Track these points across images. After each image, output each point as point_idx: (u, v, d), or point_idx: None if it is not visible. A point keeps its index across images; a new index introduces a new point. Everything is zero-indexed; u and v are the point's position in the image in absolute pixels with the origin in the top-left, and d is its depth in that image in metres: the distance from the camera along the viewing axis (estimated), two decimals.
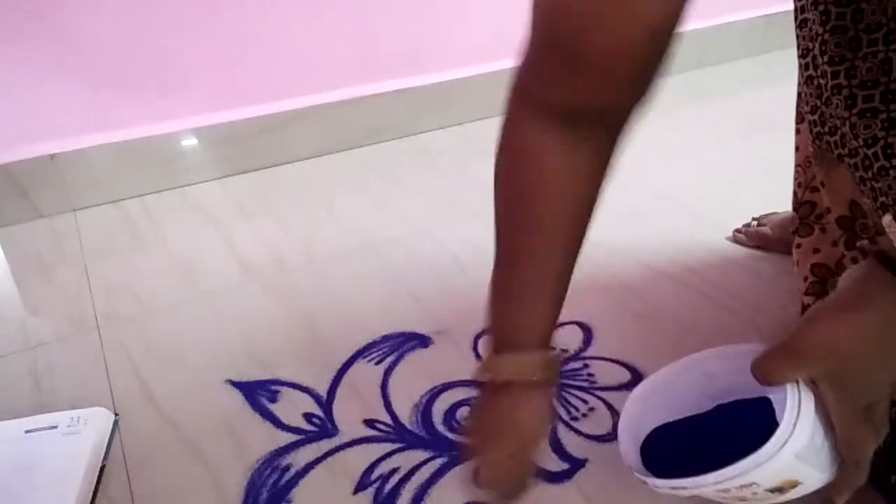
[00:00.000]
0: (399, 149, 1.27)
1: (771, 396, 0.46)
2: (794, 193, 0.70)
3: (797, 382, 0.39)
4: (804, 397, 0.39)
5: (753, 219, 0.92)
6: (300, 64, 1.18)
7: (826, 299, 0.39)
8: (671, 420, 0.50)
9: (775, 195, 0.98)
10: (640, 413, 0.51)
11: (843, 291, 0.39)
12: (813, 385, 0.40)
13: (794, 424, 0.38)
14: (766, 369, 0.40)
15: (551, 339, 0.48)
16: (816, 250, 0.67)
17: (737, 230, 0.92)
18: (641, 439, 0.50)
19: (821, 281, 0.65)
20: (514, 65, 0.44)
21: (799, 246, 0.69)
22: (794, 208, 0.69)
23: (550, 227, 0.45)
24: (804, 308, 0.67)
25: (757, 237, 0.89)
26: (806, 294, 0.67)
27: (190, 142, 1.14)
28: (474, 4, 1.27)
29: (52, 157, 1.05)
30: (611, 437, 0.63)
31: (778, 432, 0.38)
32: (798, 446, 0.38)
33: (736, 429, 0.46)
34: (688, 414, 0.50)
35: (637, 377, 0.70)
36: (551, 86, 0.41)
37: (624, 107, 0.42)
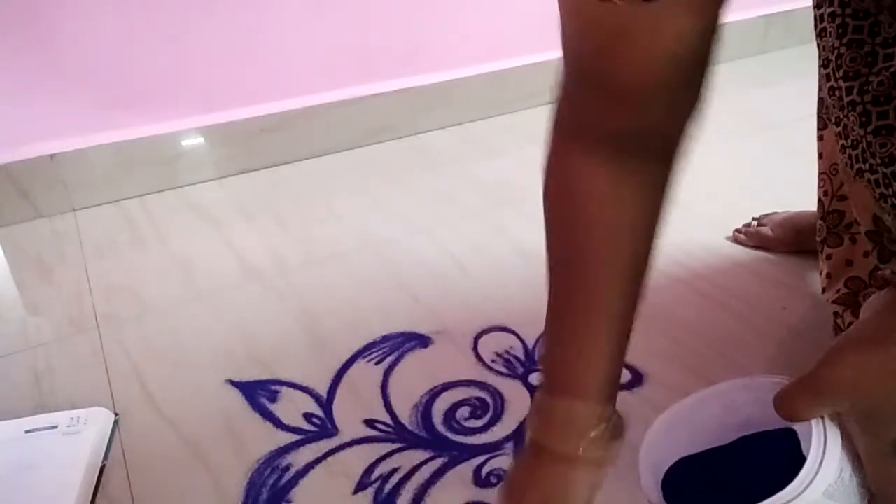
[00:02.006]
0: (399, 149, 1.27)
1: (796, 427, 0.45)
2: (820, 201, 0.69)
3: (822, 417, 0.38)
4: (830, 433, 0.37)
5: (753, 219, 0.92)
6: (300, 64, 1.18)
7: (849, 331, 0.38)
8: (693, 452, 0.49)
9: (775, 195, 0.98)
10: (661, 445, 0.49)
11: (866, 323, 0.38)
12: (839, 419, 0.38)
13: (821, 461, 0.37)
14: (790, 405, 0.38)
15: (613, 398, 0.46)
16: (849, 262, 0.66)
17: (737, 230, 0.92)
18: (663, 472, 0.49)
19: (853, 293, 0.65)
20: (553, 99, 0.44)
21: (830, 257, 0.68)
22: (821, 217, 0.69)
23: (606, 262, 0.43)
24: (835, 317, 0.67)
25: (757, 237, 0.89)
26: (835, 303, 0.66)
27: (190, 142, 1.14)
28: (474, 4, 1.27)
29: (52, 157, 1.05)
30: None
31: (804, 470, 0.37)
32: (826, 483, 0.37)
33: (760, 461, 0.45)
34: (709, 446, 0.49)
35: (637, 377, 0.70)
36: (588, 115, 0.41)
37: (666, 129, 0.41)
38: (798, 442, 0.43)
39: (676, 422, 0.49)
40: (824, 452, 0.37)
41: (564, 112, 0.43)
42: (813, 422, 0.38)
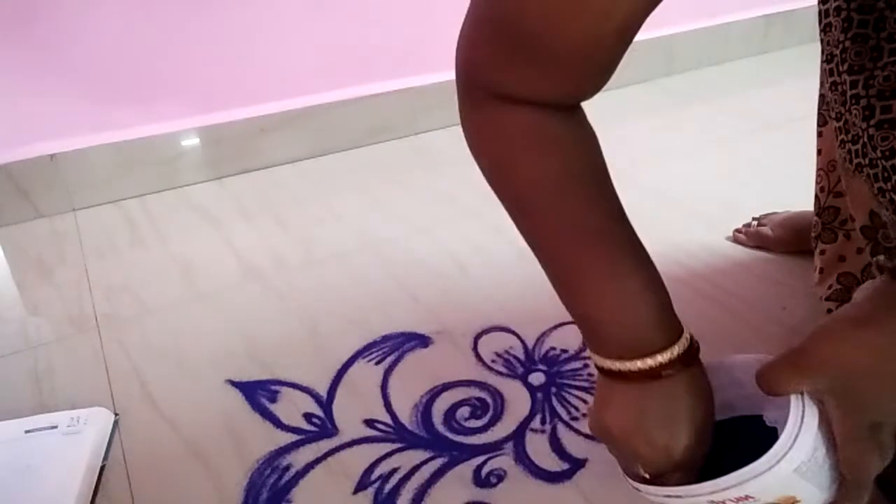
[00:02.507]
0: (399, 149, 1.27)
1: (766, 416, 0.45)
2: (816, 197, 0.69)
3: (802, 395, 0.38)
4: (808, 411, 0.37)
5: (753, 219, 0.92)
6: (300, 64, 1.18)
7: (839, 311, 0.38)
8: None
9: (775, 195, 0.98)
10: None
11: (857, 305, 0.37)
12: (819, 401, 0.38)
13: (796, 437, 0.37)
14: (772, 377, 0.38)
15: (673, 323, 0.43)
16: (842, 258, 0.66)
17: (737, 230, 0.92)
18: None
19: (845, 288, 0.64)
20: (459, 45, 0.42)
21: (823, 252, 0.68)
22: (817, 213, 0.69)
23: (572, 187, 0.43)
24: (828, 314, 0.67)
25: (757, 237, 0.89)
26: (828, 300, 0.66)
27: (190, 142, 1.14)
28: None
29: (52, 157, 1.05)
30: None
31: (777, 444, 0.37)
32: (798, 461, 0.37)
33: (732, 446, 0.45)
34: None
35: None
36: (515, 83, 0.41)
37: (586, 96, 0.42)
38: (770, 428, 0.43)
39: None
40: (800, 429, 0.37)
41: (482, 71, 0.42)
42: (792, 398, 0.38)
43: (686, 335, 0.43)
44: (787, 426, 0.37)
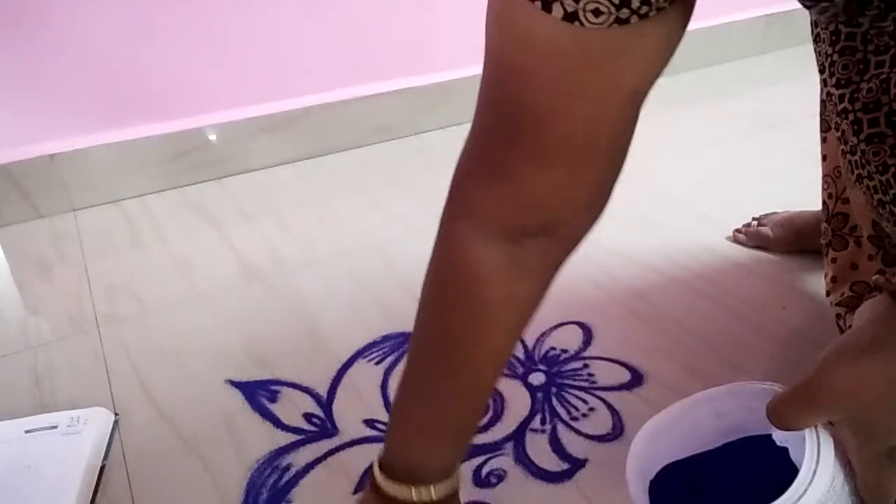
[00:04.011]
0: (399, 149, 1.27)
1: (775, 435, 0.45)
2: (824, 204, 0.69)
3: (815, 426, 0.37)
4: (823, 444, 0.37)
5: (753, 219, 0.92)
6: (300, 64, 1.18)
7: (842, 339, 0.37)
8: (679, 458, 0.49)
9: (775, 195, 0.98)
10: (647, 453, 0.49)
11: (860, 331, 0.37)
12: (830, 426, 0.38)
13: (815, 471, 0.36)
14: (784, 415, 0.37)
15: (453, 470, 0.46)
16: (854, 266, 0.66)
17: (737, 230, 0.92)
18: (650, 479, 0.49)
19: (858, 296, 0.64)
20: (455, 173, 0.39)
21: (835, 260, 0.68)
22: (826, 220, 0.68)
23: (485, 367, 0.42)
24: (837, 318, 0.67)
25: (757, 237, 0.89)
26: (839, 305, 0.66)
27: (190, 142, 1.14)
28: (474, 4, 1.26)
29: (52, 157, 1.05)
30: (611, 437, 0.63)
31: (796, 482, 0.36)
32: (819, 494, 0.36)
33: (745, 466, 0.44)
34: (695, 452, 0.49)
35: (637, 377, 0.70)
36: (501, 181, 0.36)
37: (581, 218, 0.38)
38: (781, 448, 0.43)
39: (662, 429, 0.49)
40: (818, 463, 0.36)
41: (468, 182, 0.39)
42: (806, 430, 0.37)
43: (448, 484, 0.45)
44: (804, 462, 0.37)
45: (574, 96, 0.32)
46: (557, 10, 0.29)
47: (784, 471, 0.37)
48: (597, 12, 0.28)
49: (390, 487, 0.45)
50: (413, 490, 0.44)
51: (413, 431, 0.46)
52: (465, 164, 0.39)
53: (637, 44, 0.31)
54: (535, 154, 0.35)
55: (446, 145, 1.26)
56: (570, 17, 0.29)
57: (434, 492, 0.44)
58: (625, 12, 0.28)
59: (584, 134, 0.34)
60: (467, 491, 0.58)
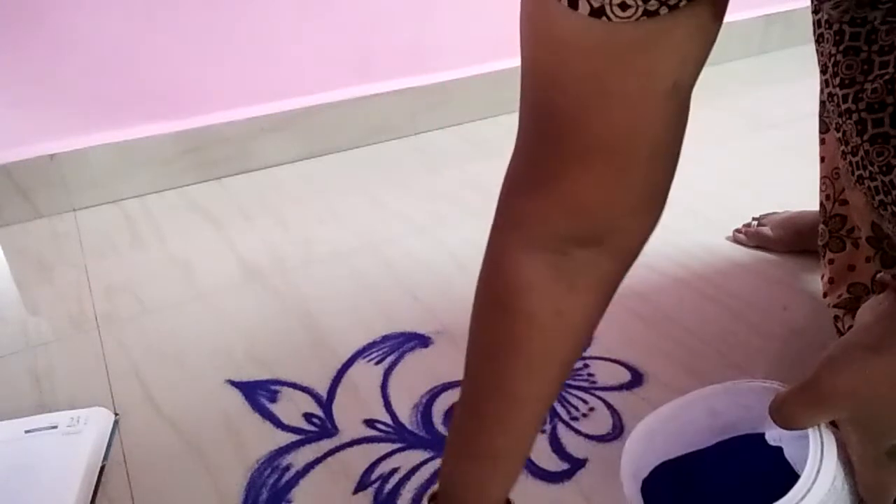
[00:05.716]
0: (399, 149, 1.27)
1: (768, 434, 0.45)
2: (822, 205, 0.69)
3: (818, 425, 0.37)
4: (826, 441, 0.37)
5: (753, 219, 0.92)
6: (300, 64, 1.18)
7: (847, 337, 0.37)
8: (673, 457, 0.49)
9: (775, 195, 0.98)
10: (641, 452, 0.49)
11: (865, 329, 0.36)
12: (833, 426, 0.38)
13: (818, 470, 0.36)
14: (788, 413, 0.37)
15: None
16: (852, 267, 0.66)
17: (737, 230, 0.92)
18: (642, 478, 0.49)
19: (855, 298, 0.64)
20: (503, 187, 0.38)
21: (832, 262, 0.68)
22: (823, 221, 0.68)
23: (529, 387, 0.40)
24: (835, 320, 0.67)
25: (757, 237, 0.89)
26: (836, 307, 0.66)
27: (190, 142, 1.14)
28: (474, 4, 1.27)
29: (52, 157, 1.05)
30: (611, 436, 0.63)
31: (799, 483, 0.36)
32: (821, 495, 0.36)
33: (739, 464, 0.44)
34: (689, 450, 0.49)
35: (637, 377, 0.70)
36: (545, 188, 0.35)
37: (629, 222, 0.36)
38: (779, 448, 0.43)
39: (656, 429, 0.49)
40: (821, 462, 0.36)
41: (514, 195, 0.37)
42: (809, 429, 0.37)
43: None
44: (807, 462, 0.36)
45: (607, 94, 0.31)
46: (584, 7, 0.28)
47: (778, 469, 0.37)
48: (623, 6, 0.28)
49: None
50: None
51: (465, 453, 0.44)
52: (510, 174, 0.38)
53: (668, 37, 0.29)
54: (575, 157, 0.33)
55: (446, 145, 1.26)
56: (597, 13, 0.28)
57: None
58: (653, 4, 0.27)
59: (623, 133, 0.32)
60: None
